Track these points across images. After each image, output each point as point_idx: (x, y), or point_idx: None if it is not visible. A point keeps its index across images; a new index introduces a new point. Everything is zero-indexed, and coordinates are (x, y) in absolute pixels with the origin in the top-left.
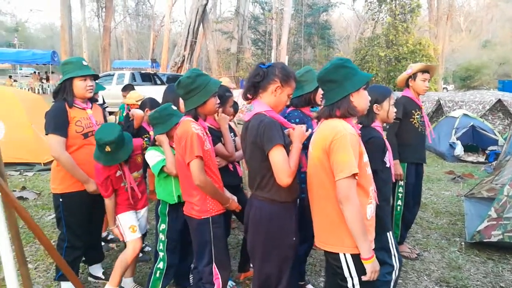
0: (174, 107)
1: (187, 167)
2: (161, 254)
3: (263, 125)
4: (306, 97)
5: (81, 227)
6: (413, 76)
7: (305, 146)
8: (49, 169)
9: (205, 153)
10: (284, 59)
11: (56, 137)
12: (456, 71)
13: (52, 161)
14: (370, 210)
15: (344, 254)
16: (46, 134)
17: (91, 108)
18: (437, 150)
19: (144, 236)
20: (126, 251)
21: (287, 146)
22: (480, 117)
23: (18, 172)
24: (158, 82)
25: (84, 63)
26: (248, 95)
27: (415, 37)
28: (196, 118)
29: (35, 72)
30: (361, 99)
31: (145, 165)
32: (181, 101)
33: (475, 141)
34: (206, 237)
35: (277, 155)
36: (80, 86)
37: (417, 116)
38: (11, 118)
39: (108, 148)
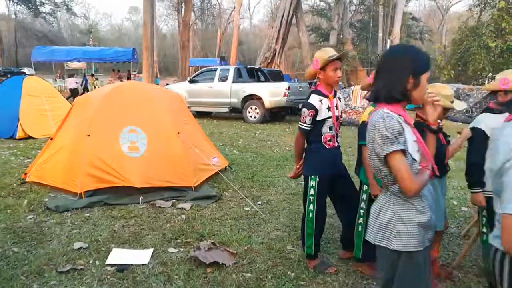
0: None
1: None
2: None
3: None
4: None
5: None
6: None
7: None
8: (207, 198)
9: None
10: None
11: None
12: None
13: (198, 184)
14: None
15: None
16: None
17: None
18: None
19: None
20: None
21: None
22: None
23: (170, 204)
24: (262, 78)
25: None
26: None
27: None
28: None
29: (113, 70)
30: None
31: None
32: None
33: None
34: None
35: None
36: None
37: None
38: (151, 125)
39: None
